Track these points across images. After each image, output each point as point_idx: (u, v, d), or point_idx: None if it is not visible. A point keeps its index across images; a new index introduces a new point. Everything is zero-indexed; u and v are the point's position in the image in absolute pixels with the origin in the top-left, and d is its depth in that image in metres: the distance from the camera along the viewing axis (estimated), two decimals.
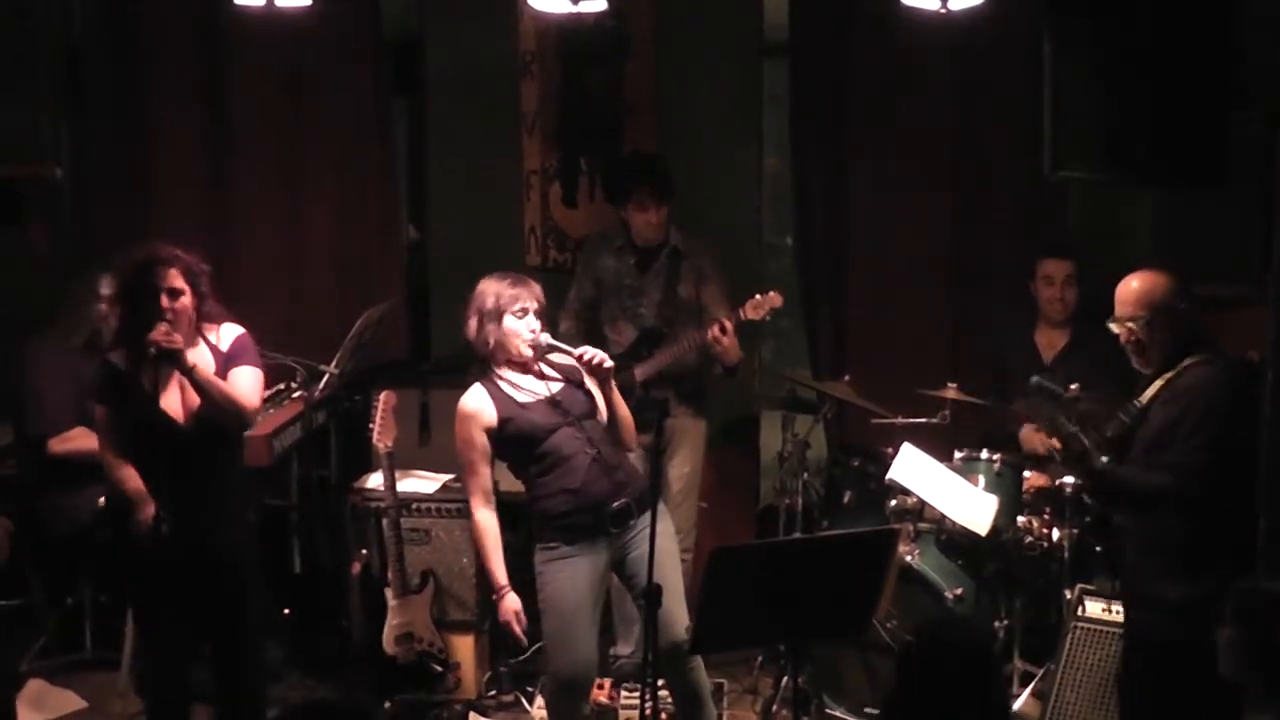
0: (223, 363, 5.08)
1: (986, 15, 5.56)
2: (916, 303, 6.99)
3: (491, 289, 5.15)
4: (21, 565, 6.27)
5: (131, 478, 5.05)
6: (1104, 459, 4.84)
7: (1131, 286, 4.83)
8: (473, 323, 5.15)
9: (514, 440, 5.13)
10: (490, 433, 5.12)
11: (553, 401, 5.14)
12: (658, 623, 4.89)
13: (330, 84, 7.15)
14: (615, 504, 5.09)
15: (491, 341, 5.13)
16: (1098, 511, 5.71)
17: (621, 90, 7.18)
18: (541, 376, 5.20)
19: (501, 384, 5.16)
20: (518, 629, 5.18)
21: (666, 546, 5.12)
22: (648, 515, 5.00)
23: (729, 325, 6.08)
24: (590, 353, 5.12)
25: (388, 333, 6.95)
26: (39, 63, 5.29)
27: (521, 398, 5.14)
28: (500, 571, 5.15)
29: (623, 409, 5.23)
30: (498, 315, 5.11)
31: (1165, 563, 4.75)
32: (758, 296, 6.13)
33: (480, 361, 5.19)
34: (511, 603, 5.15)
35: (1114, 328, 4.86)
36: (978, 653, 3.84)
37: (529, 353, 5.14)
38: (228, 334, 5.16)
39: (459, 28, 7.18)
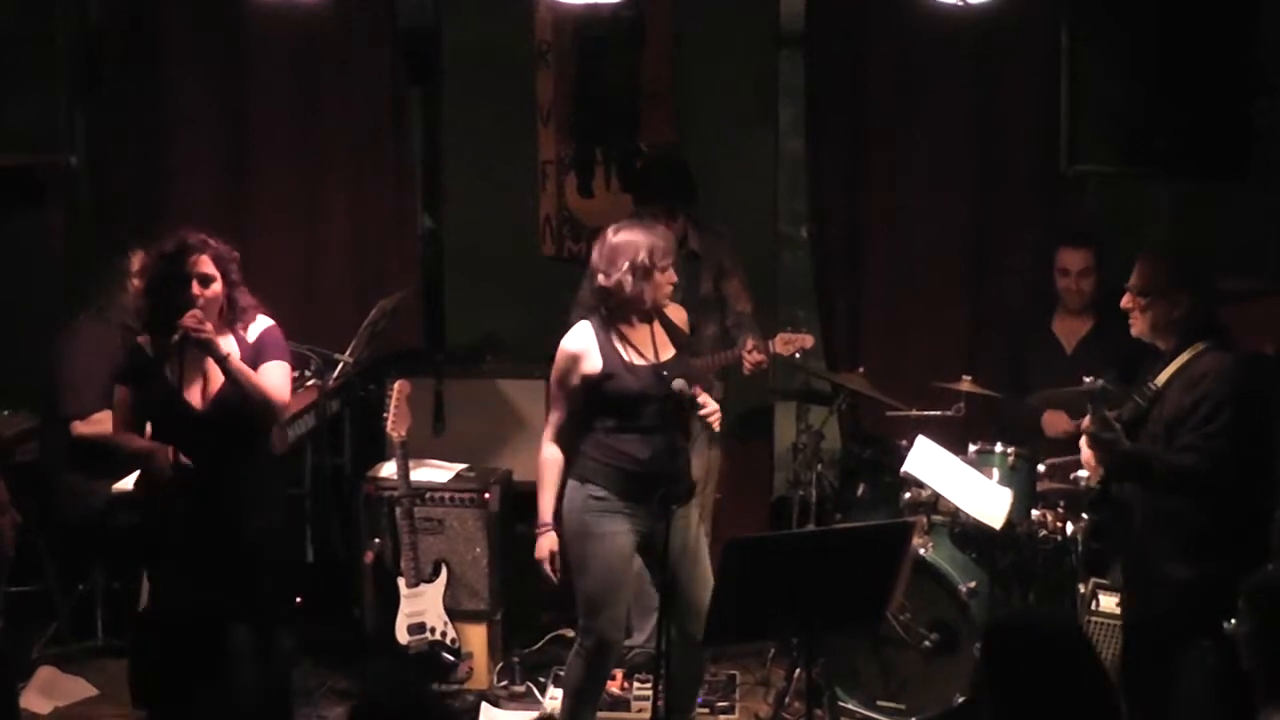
0: (248, 355, 5.05)
1: (1004, 6, 5.54)
2: (932, 294, 6.97)
3: (644, 242, 5.01)
4: (35, 551, 6.28)
5: (135, 439, 5.07)
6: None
7: (1165, 263, 4.83)
8: (618, 274, 5.01)
9: (606, 395, 5.06)
10: (587, 379, 5.06)
11: (658, 370, 5.06)
12: (682, 612, 5.00)
13: (346, 74, 7.14)
14: (664, 488, 4.96)
15: (631, 292, 5.03)
16: (1099, 489, 5.65)
17: (637, 80, 7.16)
18: (653, 336, 5.12)
19: (614, 335, 5.09)
20: (549, 569, 5.15)
21: (696, 548, 5.16)
22: (684, 508, 5.07)
23: (764, 356, 6.05)
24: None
25: (402, 322, 6.94)
26: (57, 53, 5.30)
27: (632, 357, 5.07)
28: (549, 508, 5.13)
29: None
30: (648, 270, 5.02)
31: (1175, 543, 4.78)
32: (790, 331, 6.12)
33: (602, 305, 5.11)
34: (550, 541, 5.13)
35: (1127, 302, 4.87)
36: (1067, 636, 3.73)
37: (666, 302, 5.11)
38: (256, 326, 5.13)
39: (475, 17, 7.16)
